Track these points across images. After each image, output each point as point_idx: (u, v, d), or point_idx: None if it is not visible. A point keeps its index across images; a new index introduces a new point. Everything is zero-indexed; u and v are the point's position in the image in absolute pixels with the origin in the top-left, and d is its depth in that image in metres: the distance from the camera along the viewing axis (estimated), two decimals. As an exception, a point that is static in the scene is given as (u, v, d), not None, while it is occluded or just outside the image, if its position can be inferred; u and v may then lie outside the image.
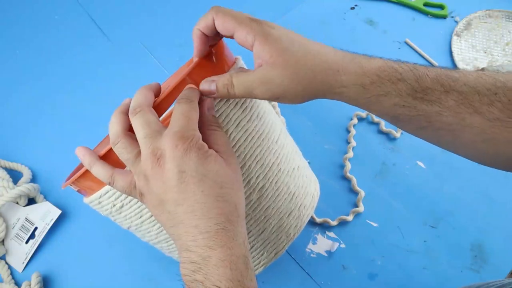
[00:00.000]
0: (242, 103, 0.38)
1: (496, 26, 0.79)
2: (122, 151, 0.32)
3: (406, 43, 0.77)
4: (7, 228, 0.56)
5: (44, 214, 0.57)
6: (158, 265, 0.55)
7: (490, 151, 0.33)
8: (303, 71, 0.32)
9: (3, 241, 0.56)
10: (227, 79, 0.34)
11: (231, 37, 0.35)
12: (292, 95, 0.33)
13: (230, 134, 0.37)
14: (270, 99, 0.34)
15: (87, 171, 0.35)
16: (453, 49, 0.76)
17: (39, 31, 0.74)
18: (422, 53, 0.75)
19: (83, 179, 0.37)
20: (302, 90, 0.33)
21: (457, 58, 0.75)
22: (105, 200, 0.39)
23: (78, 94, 0.70)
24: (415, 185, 0.62)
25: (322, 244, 0.57)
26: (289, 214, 0.43)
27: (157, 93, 0.36)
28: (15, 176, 0.60)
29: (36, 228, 0.57)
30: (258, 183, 0.40)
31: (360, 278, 0.55)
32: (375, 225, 0.58)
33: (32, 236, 0.56)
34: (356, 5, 0.82)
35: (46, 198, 0.59)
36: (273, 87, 0.33)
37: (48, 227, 0.57)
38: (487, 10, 0.81)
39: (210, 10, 0.35)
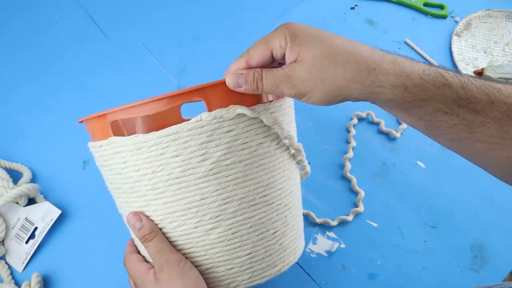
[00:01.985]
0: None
1: (496, 26, 0.79)
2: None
3: (406, 43, 0.77)
4: (7, 228, 0.56)
5: (44, 214, 0.57)
6: (158, 265, 0.55)
7: None
8: (331, 68, 0.31)
9: (3, 241, 0.56)
10: (258, 73, 0.33)
11: (277, 59, 0.34)
12: (318, 94, 0.32)
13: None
14: (296, 97, 0.33)
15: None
16: (453, 49, 0.76)
17: (39, 31, 0.74)
18: (422, 53, 0.75)
19: (92, 121, 0.40)
20: (329, 89, 0.31)
21: (457, 58, 0.75)
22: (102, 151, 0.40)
23: (78, 94, 0.70)
24: (415, 185, 0.62)
25: (322, 244, 0.57)
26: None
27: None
28: (15, 176, 0.60)
29: (36, 228, 0.57)
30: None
31: (360, 278, 0.55)
32: (375, 225, 0.59)
33: (32, 236, 0.56)
34: (356, 5, 0.82)
35: (46, 198, 0.59)
36: (299, 83, 0.32)
37: (48, 227, 0.57)
38: (487, 10, 0.81)
39: (243, 53, 0.36)
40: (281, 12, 0.80)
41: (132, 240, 0.43)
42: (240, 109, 0.35)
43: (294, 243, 0.44)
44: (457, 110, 0.31)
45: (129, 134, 0.37)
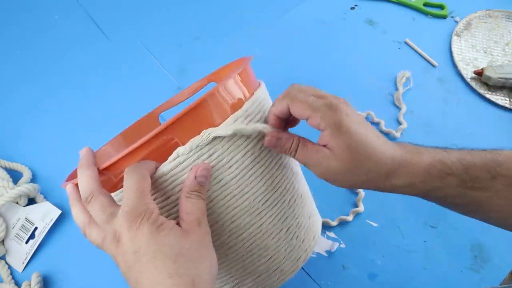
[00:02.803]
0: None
1: (496, 26, 0.79)
2: (95, 213, 0.32)
3: (406, 43, 0.77)
4: (7, 228, 0.56)
5: (44, 214, 0.57)
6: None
7: None
8: (358, 170, 0.34)
9: (3, 241, 0.56)
10: (296, 144, 0.36)
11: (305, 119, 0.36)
12: (339, 184, 0.36)
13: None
14: (320, 177, 0.36)
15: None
16: (453, 49, 0.76)
17: (39, 31, 0.74)
18: (422, 53, 0.75)
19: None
20: (349, 184, 0.36)
21: (457, 58, 0.75)
22: None
23: (78, 94, 0.70)
24: (415, 185, 0.62)
25: (322, 244, 0.57)
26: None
27: (93, 158, 0.35)
28: (15, 176, 0.60)
29: (36, 228, 0.57)
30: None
31: (360, 278, 0.55)
32: (375, 225, 0.58)
33: (32, 236, 0.57)
34: (356, 5, 0.82)
35: (46, 198, 0.59)
36: (328, 174, 0.35)
37: (48, 227, 0.57)
38: (487, 10, 0.81)
39: (285, 97, 0.36)
40: (281, 12, 0.80)
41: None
42: (214, 133, 0.34)
43: (310, 228, 0.43)
44: (463, 192, 0.35)
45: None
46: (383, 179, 0.35)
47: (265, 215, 0.38)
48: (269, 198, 0.38)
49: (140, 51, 0.74)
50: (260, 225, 0.38)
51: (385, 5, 0.82)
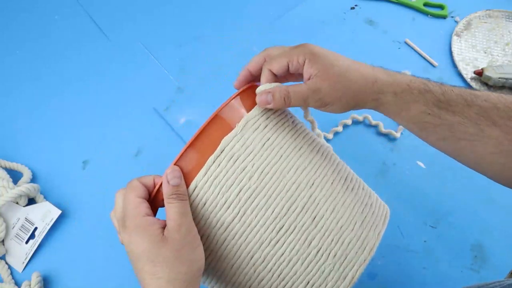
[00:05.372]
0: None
1: (496, 26, 0.79)
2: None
3: (406, 43, 0.77)
4: (7, 228, 0.56)
5: (44, 214, 0.57)
6: (158, 265, 0.55)
7: (508, 164, 0.35)
8: (345, 82, 0.38)
9: (3, 241, 0.56)
10: (285, 90, 0.38)
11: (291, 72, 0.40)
12: (337, 103, 0.38)
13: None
14: (320, 107, 0.39)
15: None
16: (453, 49, 0.76)
17: (39, 31, 0.74)
18: (422, 53, 0.75)
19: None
20: (345, 98, 0.38)
21: (457, 58, 0.75)
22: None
23: (78, 93, 0.70)
24: (415, 185, 0.62)
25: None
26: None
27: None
28: (15, 176, 0.60)
29: (36, 228, 0.57)
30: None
31: (360, 278, 0.55)
32: (375, 225, 0.58)
33: (32, 236, 0.56)
34: (356, 5, 0.82)
35: (46, 198, 0.59)
36: (322, 95, 0.38)
37: (48, 227, 0.57)
38: (487, 10, 0.81)
39: (264, 63, 0.41)
40: (281, 12, 0.80)
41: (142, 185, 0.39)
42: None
43: (375, 214, 0.41)
44: (438, 112, 0.37)
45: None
46: (370, 85, 0.38)
47: (322, 207, 0.38)
48: (323, 188, 0.39)
49: (140, 51, 0.74)
50: (319, 220, 0.38)
51: (385, 5, 0.82)
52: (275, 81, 0.40)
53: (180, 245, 0.34)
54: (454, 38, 0.77)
